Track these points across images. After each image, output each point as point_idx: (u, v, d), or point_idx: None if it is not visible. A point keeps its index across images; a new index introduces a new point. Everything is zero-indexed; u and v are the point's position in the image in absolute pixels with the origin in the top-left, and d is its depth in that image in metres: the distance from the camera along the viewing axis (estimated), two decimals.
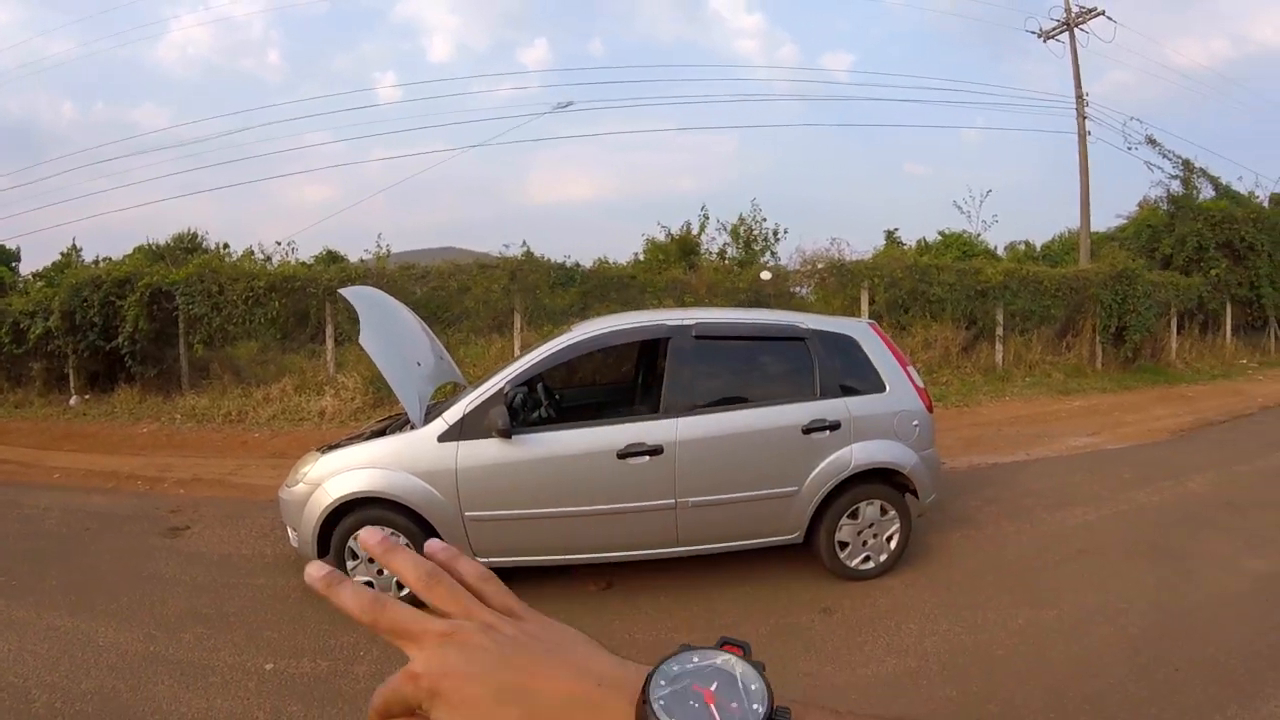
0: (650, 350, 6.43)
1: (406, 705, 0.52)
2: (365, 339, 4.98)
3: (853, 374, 5.31)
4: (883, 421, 5.25)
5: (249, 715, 3.83)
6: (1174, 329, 18.43)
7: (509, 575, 5.03)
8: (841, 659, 4.24)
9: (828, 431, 5.09)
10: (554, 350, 5.13)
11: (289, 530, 5.20)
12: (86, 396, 14.02)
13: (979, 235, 25.42)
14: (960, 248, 23.90)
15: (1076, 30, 21.05)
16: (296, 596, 5.26)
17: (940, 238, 25.72)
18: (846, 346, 5.35)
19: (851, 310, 14.55)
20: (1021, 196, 50.72)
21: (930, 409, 5.50)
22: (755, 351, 5.45)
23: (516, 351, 13.07)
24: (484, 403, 4.85)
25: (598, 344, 5.37)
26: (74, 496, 8.29)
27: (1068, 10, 21.07)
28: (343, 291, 5.72)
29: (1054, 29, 21.43)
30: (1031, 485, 7.61)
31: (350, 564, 4.90)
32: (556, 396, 6.35)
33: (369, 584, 4.74)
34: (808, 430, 5.06)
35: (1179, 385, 15.63)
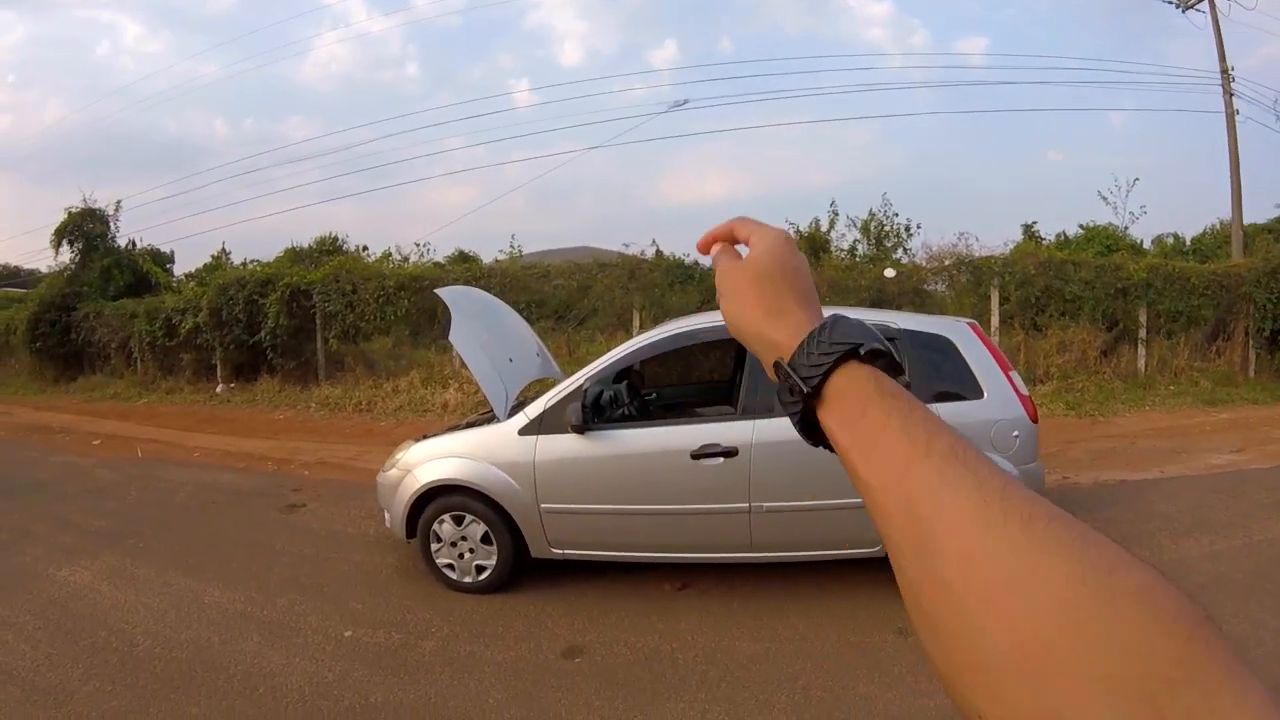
0: (719, 351, 6.39)
1: (734, 236, 0.82)
2: (454, 336, 5.21)
3: (946, 378, 4.99)
4: (978, 431, 4.79)
5: (319, 675, 4.11)
6: None
7: (587, 567, 5.19)
8: (905, 685, 3.99)
9: None
10: (633, 349, 5.22)
11: (385, 512, 5.48)
12: (231, 385, 15.20)
13: (1125, 228, 23.40)
14: (1103, 242, 21.86)
15: None
16: (387, 573, 5.58)
17: (1082, 231, 23.77)
18: (941, 348, 5.03)
19: (983, 309, 13.75)
20: (1172, 184, 46.73)
21: (1035, 419, 5.06)
22: None
23: None
24: (563, 399, 4.97)
25: (674, 343, 5.34)
26: (208, 473, 9.00)
27: None
28: (438, 291, 5.93)
29: None
30: (1159, 507, 6.88)
31: (434, 546, 5.12)
32: (652, 394, 6.40)
33: (450, 566, 5.02)
34: None
35: None
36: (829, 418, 0.64)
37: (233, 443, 10.88)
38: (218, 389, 15.14)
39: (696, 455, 4.72)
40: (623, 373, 5.33)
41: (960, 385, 4.97)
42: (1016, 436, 4.94)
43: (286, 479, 8.66)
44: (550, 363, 6.47)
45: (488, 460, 5.02)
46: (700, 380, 7.39)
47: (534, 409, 5.03)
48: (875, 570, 5.04)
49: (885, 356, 0.65)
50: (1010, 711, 0.43)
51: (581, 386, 5.00)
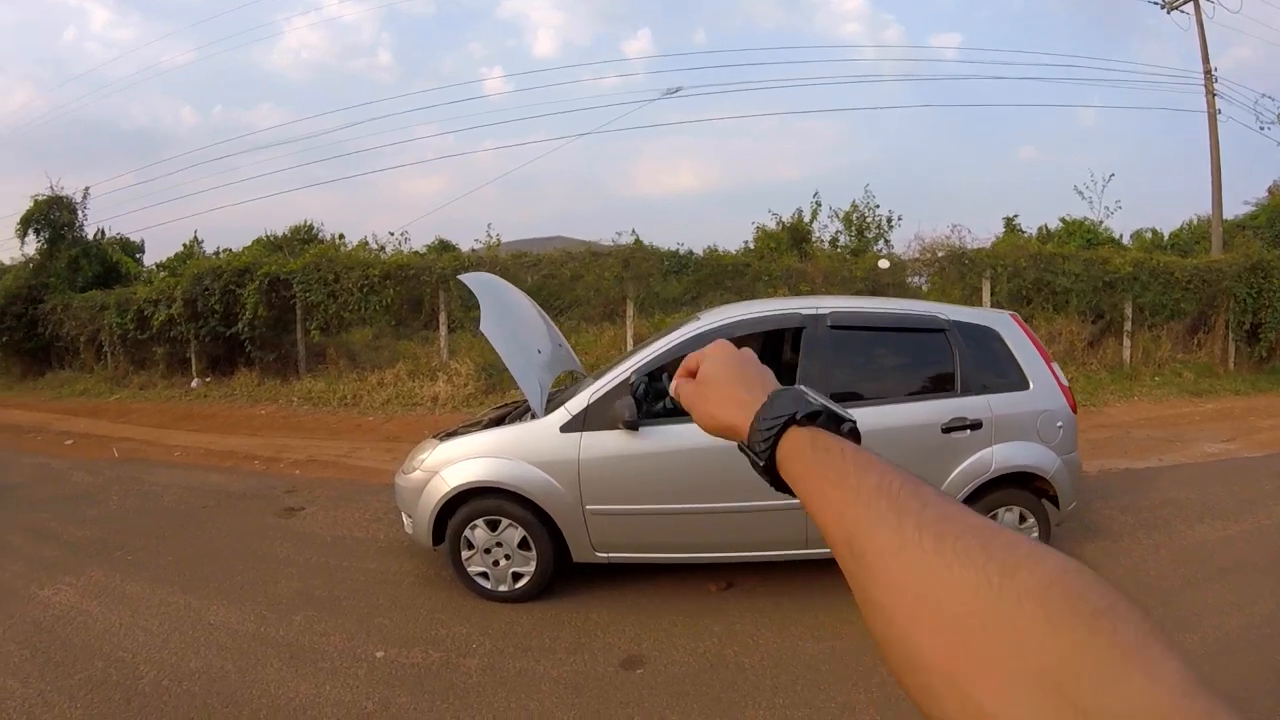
0: (774, 340, 6.12)
1: (689, 369, 0.95)
2: (486, 326, 4.80)
3: (994, 369, 4.91)
4: (1025, 421, 4.84)
5: (357, 704, 3.69)
6: None
7: (623, 570, 4.91)
8: None
9: (968, 431, 4.70)
10: (683, 339, 4.84)
11: (404, 516, 5.08)
12: (207, 379, 14.62)
13: (1101, 222, 23.85)
14: (1084, 236, 22.40)
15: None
16: (409, 582, 5.16)
17: (1062, 225, 24.28)
18: (988, 339, 4.97)
19: (971, 301, 13.79)
20: (1144, 181, 47.62)
21: (1074, 409, 5.08)
22: (892, 343, 5.08)
23: (629, 339, 12.98)
24: (609, 393, 4.63)
25: (727, 333, 4.95)
26: (193, 474, 8.49)
27: None
28: (462, 277, 5.59)
29: None
30: (1167, 494, 7.08)
31: (466, 553, 4.74)
32: None
33: (484, 574, 4.66)
34: (947, 429, 4.70)
35: None
36: (786, 478, 0.75)
37: (214, 440, 10.38)
38: (193, 383, 14.53)
39: None
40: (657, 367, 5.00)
41: (1007, 376, 4.94)
42: (1060, 427, 4.98)
43: (278, 479, 8.19)
44: (570, 354, 6.11)
45: (525, 460, 4.64)
46: None
47: (576, 404, 4.66)
48: None
49: (822, 414, 0.75)
50: (946, 713, 0.46)
51: (629, 380, 4.65)
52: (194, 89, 60.06)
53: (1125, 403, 12.48)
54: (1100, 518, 6.30)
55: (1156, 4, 20.58)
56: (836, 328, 4.81)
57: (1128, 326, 14.68)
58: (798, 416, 0.75)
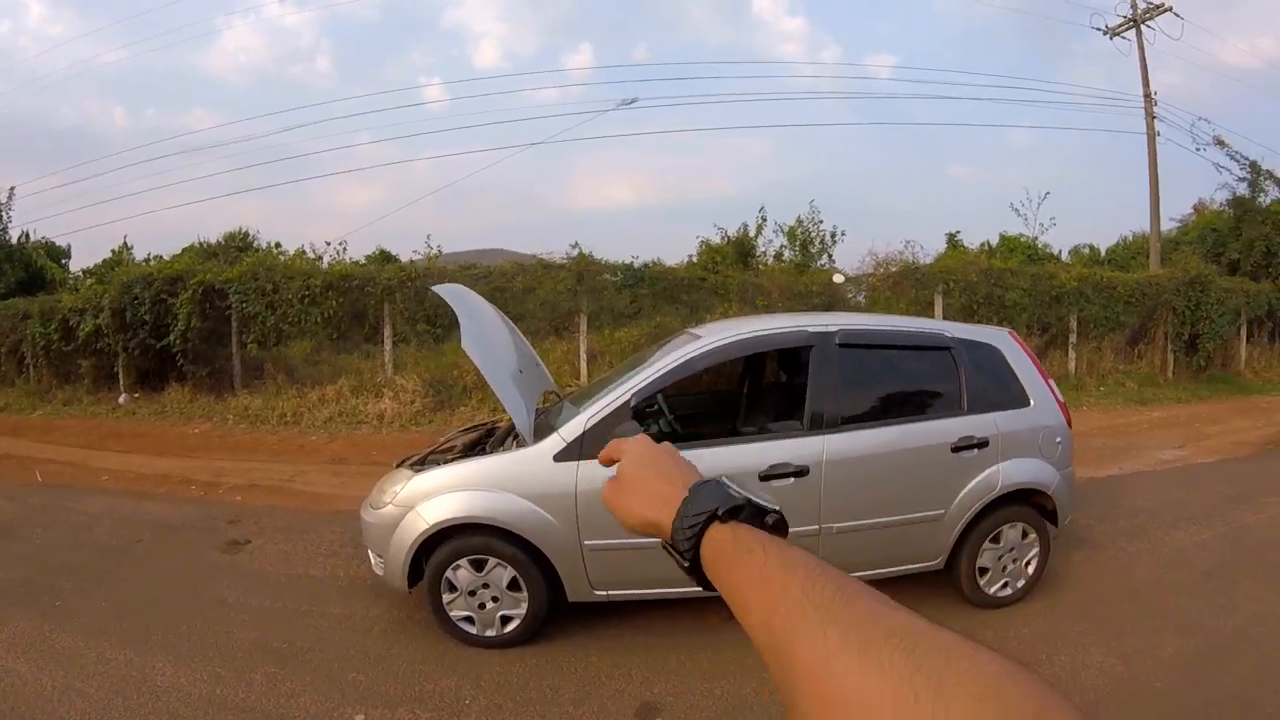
0: (756, 359, 5.84)
1: (613, 457, 0.96)
2: (468, 344, 4.32)
3: (997, 387, 4.86)
4: (1028, 438, 4.82)
5: None
6: (1243, 337, 18.00)
7: (612, 606, 4.57)
8: None
9: (976, 450, 4.62)
10: (684, 360, 4.49)
11: (372, 556, 4.60)
12: (136, 395, 13.77)
13: (1036, 238, 25.22)
14: (1024, 251, 23.60)
15: (1143, 27, 20.66)
16: (380, 629, 4.67)
17: (1002, 241, 25.37)
18: (990, 357, 4.92)
19: (921, 314, 13.97)
20: (1076, 198, 49.52)
21: (1070, 424, 5.13)
22: (899, 361, 4.92)
23: (581, 353, 12.72)
24: (607, 418, 4.24)
25: (730, 352, 4.77)
26: (125, 502, 7.81)
27: (1134, 6, 20.71)
28: (436, 289, 5.12)
29: (1120, 25, 21.03)
30: (1136, 502, 7.30)
31: (447, 596, 4.30)
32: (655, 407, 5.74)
33: (468, 618, 4.18)
34: (957, 448, 4.59)
35: (1252, 396, 15.56)
36: (712, 579, 0.74)
37: (146, 462, 9.63)
38: (121, 399, 13.65)
39: (765, 476, 4.20)
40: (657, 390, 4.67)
41: (1008, 393, 4.90)
42: (1059, 443, 4.98)
43: (218, 507, 7.53)
44: (545, 373, 5.70)
45: (514, 492, 4.20)
46: (700, 391, 6.61)
47: (570, 431, 4.25)
48: (921, 584, 4.94)
49: (744, 509, 0.74)
50: None
51: (628, 403, 4.28)
52: (127, 89, 58.16)
53: (1075, 413, 12.26)
54: (1080, 527, 6.33)
55: (1099, 30, 21.55)
56: (845, 345, 4.59)
57: (1073, 339, 15.37)
58: (719, 513, 0.74)
